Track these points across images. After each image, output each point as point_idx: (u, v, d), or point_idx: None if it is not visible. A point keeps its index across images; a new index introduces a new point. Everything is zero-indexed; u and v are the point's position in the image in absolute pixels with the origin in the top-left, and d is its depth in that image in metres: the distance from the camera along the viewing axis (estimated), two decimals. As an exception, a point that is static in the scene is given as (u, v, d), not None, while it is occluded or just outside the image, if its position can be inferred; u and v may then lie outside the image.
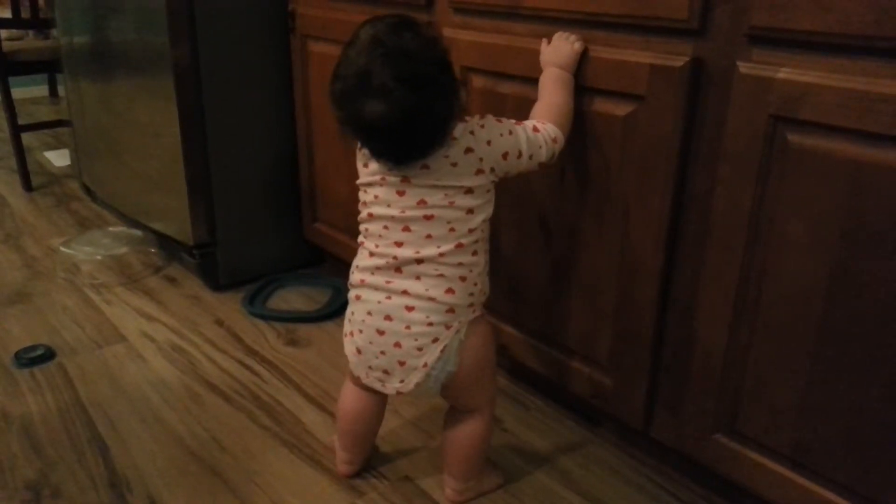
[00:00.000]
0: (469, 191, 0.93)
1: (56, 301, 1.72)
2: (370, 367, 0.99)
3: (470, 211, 0.94)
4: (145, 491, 1.12)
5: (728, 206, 0.89)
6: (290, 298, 1.75)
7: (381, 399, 1.10)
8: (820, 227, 0.81)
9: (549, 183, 1.12)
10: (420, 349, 0.95)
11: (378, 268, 0.96)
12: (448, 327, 0.95)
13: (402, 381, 0.97)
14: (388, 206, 0.94)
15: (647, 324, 1.03)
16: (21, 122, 2.48)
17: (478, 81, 1.19)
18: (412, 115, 0.87)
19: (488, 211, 0.97)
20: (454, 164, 0.92)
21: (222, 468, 1.17)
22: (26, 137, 2.62)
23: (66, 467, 1.16)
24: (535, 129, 0.98)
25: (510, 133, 0.96)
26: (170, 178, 1.71)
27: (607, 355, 1.11)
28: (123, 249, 1.90)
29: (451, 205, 0.93)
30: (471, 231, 0.94)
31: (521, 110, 1.04)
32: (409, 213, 0.93)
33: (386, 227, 0.95)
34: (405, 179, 0.93)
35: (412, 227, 0.93)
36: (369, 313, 0.97)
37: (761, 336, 0.90)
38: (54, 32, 2.34)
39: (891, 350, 0.78)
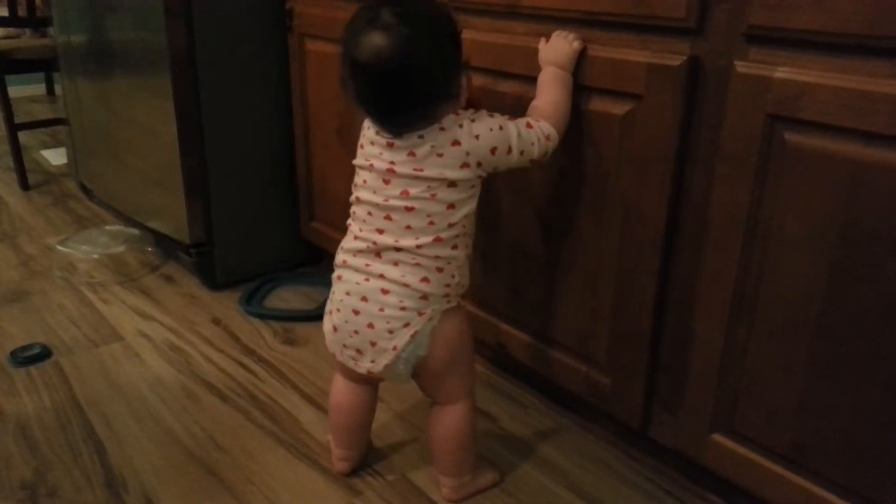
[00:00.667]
0: (452, 184, 0.94)
1: (53, 300, 1.72)
2: (344, 346, 1.01)
3: (451, 206, 0.95)
4: (141, 490, 1.11)
5: (726, 206, 0.89)
6: (288, 297, 1.75)
7: (371, 390, 1.11)
8: (817, 226, 0.81)
9: (547, 182, 1.12)
10: (391, 332, 0.96)
11: (360, 251, 0.98)
12: (420, 314, 0.96)
13: (372, 362, 0.99)
14: (374, 192, 0.97)
15: (645, 323, 1.03)
16: (18, 120, 2.48)
17: (477, 80, 1.18)
18: (408, 56, 0.89)
19: (471, 206, 0.97)
20: (440, 155, 0.93)
21: (219, 467, 1.17)
22: (23, 136, 2.61)
23: (62, 466, 1.16)
24: (529, 126, 0.98)
25: (501, 128, 0.96)
26: (167, 177, 1.71)
27: (605, 354, 1.11)
28: (120, 248, 1.90)
29: (433, 197, 0.94)
30: (451, 226, 0.95)
31: (521, 109, 1.04)
32: (391, 202, 0.95)
33: (370, 213, 0.97)
34: (391, 168, 0.94)
35: (393, 217, 0.95)
36: (347, 293, 0.99)
37: (759, 335, 0.90)
38: (51, 30, 2.34)
39: (889, 349, 0.78)
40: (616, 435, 1.23)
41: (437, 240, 0.95)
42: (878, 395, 0.80)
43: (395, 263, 0.96)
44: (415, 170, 0.93)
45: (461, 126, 0.94)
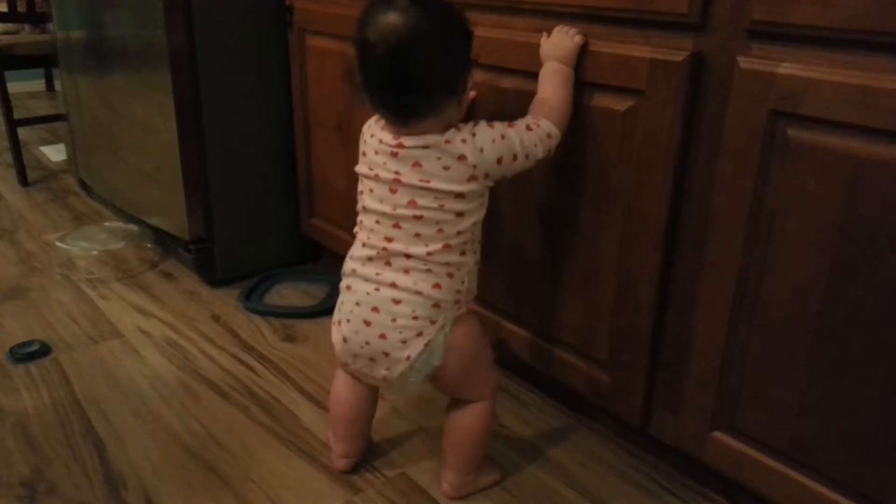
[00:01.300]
0: (460, 196, 0.94)
1: (52, 296, 1.71)
2: (356, 356, 1.01)
3: (460, 214, 0.95)
4: (141, 487, 1.11)
5: (727, 202, 0.89)
6: (287, 294, 1.75)
7: (373, 387, 1.10)
8: (820, 222, 0.81)
9: (548, 178, 1.12)
10: (404, 342, 0.96)
11: (369, 258, 0.98)
12: (433, 322, 0.96)
13: (387, 369, 0.99)
14: (381, 201, 0.96)
15: (646, 320, 1.02)
16: (17, 116, 2.47)
17: (478, 76, 1.18)
18: (419, 35, 0.89)
19: (480, 214, 0.98)
20: (446, 168, 0.92)
21: (218, 464, 1.16)
22: (22, 132, 2.60)
23: (62, 463, 1.16)
24: (529, 128, 0.98)
25: (503, 138, 0.95)
26: (166, 173, 1.71)
27: (606, 352, 1.10)
28: (120, 244, 1.89)
29: (441, 207, 0.93)
30: (459, 233, 0.95)
31: (522, 104, 1.03)
32: (399, 211, 0.94)
33: (377, 222, 0.97)
34: (397, 178, 0.94)
35: (402, 225, 0.95)
36: (357, 304, 0.98)
37: (760, 333, 0.90)
38: (51, 26, 2.33)
39: (890, 347, 0.78)
40: (617, 432, 1.23)
41: (447, 246, 0.95)
42: (879, 393, 0.80)
43: (406, 271, 0.95)
44: (421, 181, 0.93)
45: (464, 141, 0.93)
